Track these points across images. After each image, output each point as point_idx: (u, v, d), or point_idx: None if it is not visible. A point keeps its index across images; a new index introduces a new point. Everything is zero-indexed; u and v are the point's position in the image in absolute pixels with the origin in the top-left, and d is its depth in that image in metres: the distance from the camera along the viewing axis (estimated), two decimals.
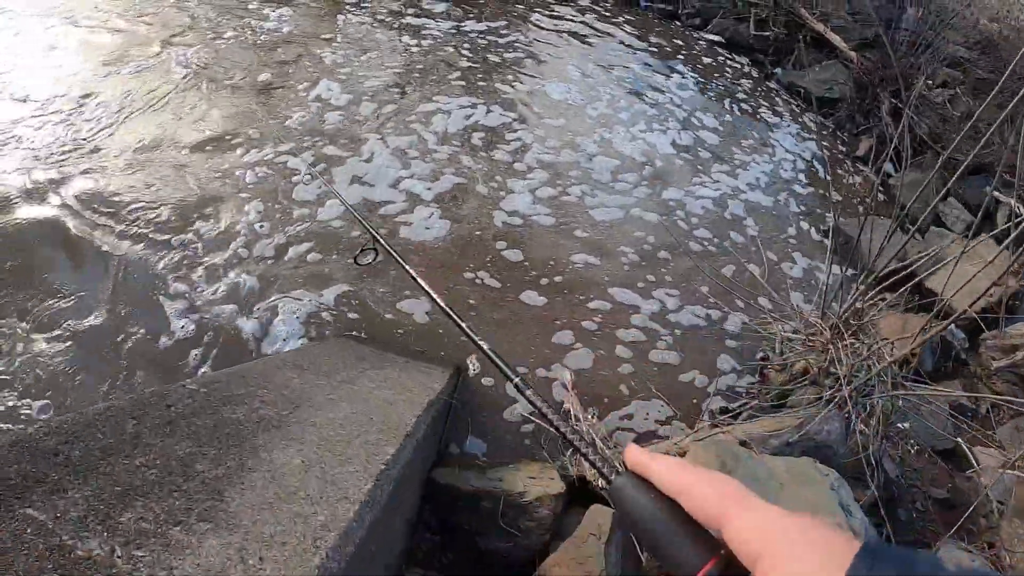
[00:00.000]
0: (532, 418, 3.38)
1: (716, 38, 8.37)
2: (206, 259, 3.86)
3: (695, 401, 3.74)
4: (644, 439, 3.44)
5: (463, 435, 3.32)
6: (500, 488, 2.77)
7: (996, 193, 5.80)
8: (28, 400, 3.06)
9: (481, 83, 6.03)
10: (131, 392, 3.11)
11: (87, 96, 4.88)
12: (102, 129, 4.62)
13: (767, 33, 8.19)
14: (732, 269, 4.63)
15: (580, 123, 5.83)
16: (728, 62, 7.89)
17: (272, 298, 3.72)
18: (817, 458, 2.88)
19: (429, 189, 4.66)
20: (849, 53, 7.69)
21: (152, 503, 1.50)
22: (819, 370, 3.32)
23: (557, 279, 4.24)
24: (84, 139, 4.50)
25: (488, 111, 5.63)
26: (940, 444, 3.77)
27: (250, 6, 6.62)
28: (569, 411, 3.25)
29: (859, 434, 3.02)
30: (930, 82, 7.20)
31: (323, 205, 4.35)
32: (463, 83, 5.95)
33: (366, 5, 7.06)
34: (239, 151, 4.64)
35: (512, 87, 6.07)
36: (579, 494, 2.93)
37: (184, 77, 5.32)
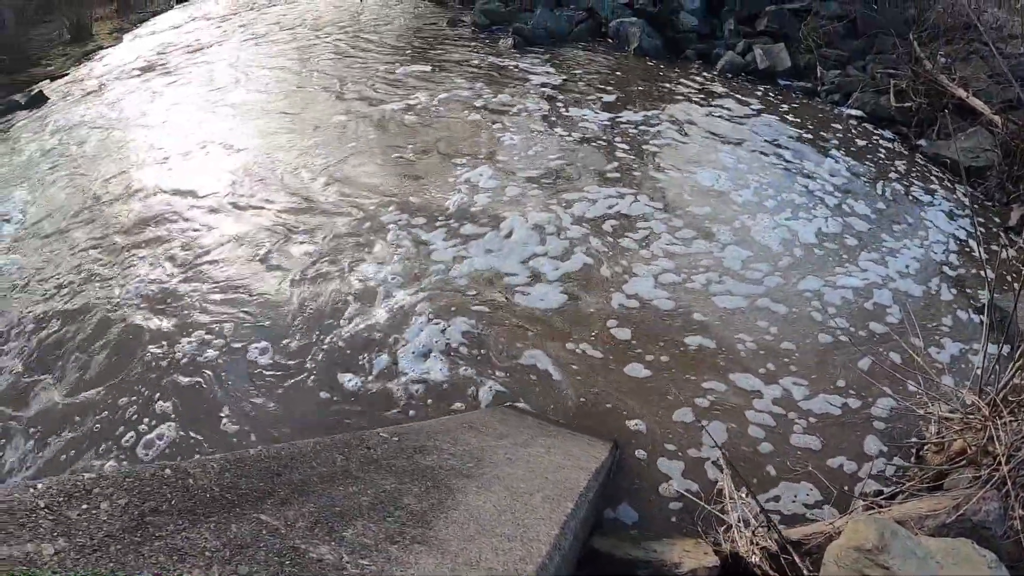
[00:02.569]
0: (687, 494, 3.55)
1: (858, 112, 8.36)
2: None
3: (845, 487, 3.73)
4: (792, 521, 3.50)
5: (618, 503, 3.53)
6: (656, 558, 2.93)
7: None
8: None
9: (636, 172, 6.44)
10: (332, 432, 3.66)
11: None
12: None
13: (908, 104, 8.10)
14: (868, 361, 4.48)
15: (723, 211, 5.95)
16: (873, 138, 7.85)
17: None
18: (974, 539, 2.84)
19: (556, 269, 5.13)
20: (993, 117, 7.46)
21: (370, 524, 1.78)
22: (977, 449, 3.26)
23: (664, 358, 4.42)
24: None
25: (635, 199, 5.98)
26: None
27: None
28: (723, 489, 3.35)
29: (1019, 519, 2.94)
30: None
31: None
32: (616, 174, 6.37)
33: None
34: None
35: (665, 174, 6.45)
36: (733, 573, 3.01)
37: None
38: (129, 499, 1.49)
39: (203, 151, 7.00)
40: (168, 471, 1.68)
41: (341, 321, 4.63)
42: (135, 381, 4.25)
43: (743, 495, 3.36)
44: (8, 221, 6.23)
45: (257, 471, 1.86)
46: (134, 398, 4.12)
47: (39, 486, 1.42)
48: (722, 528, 3.22)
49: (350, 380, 4.19)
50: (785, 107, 8.29)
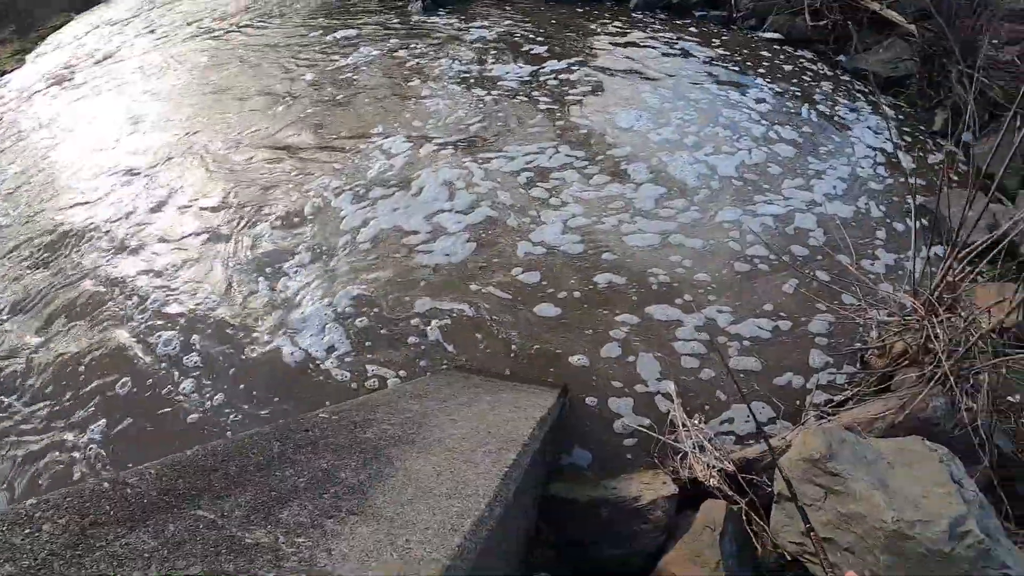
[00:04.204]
0: (640, 429, 3.57)
1: (775, 35, 8.37)
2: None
3: (796, 401, 3.79)
4: (747, 440, 3.54)
5: (572, 447, 3.54)
6: (615, 495, 2.96)
7: None
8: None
9: (558, 121, 6.34)
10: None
11: None
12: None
13: (823, 22, 8.11)
14: (794, 283, 4.54)
15: (642, 150, 5.89)
16: (798, 62, 7.85)
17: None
18: (924, 436, 2.91)
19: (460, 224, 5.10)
20: (908, 27, 7.56)
21: (306, 502, 1.82)
22: (917, 348, 3.34)
23: (576, 294, 4.44)
24: None
25: (555, 148, 5.89)
26: None
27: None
28: (675, 419, 3.40)
29: (964, 410, 3.02)
30: (995, 41, 7.01)
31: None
32: (537, 128, 6.26)
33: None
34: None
35: (586, 120, 6.35)
36: (692, 497, 3.06)
37: None
38: (69, 517, 1.55)
39: (126, 146, 6.90)
40: (107, 484, 1.71)
41: (252, 301, 4.61)
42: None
43: (695, 422, 3.41)
44: None
45: (193, 470, 1.89)
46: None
47: None
48: (679, 456, 3.25)
49: (271, 363, 4.15)
50: (703, 39, 8.24)
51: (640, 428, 3.57)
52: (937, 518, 2.33)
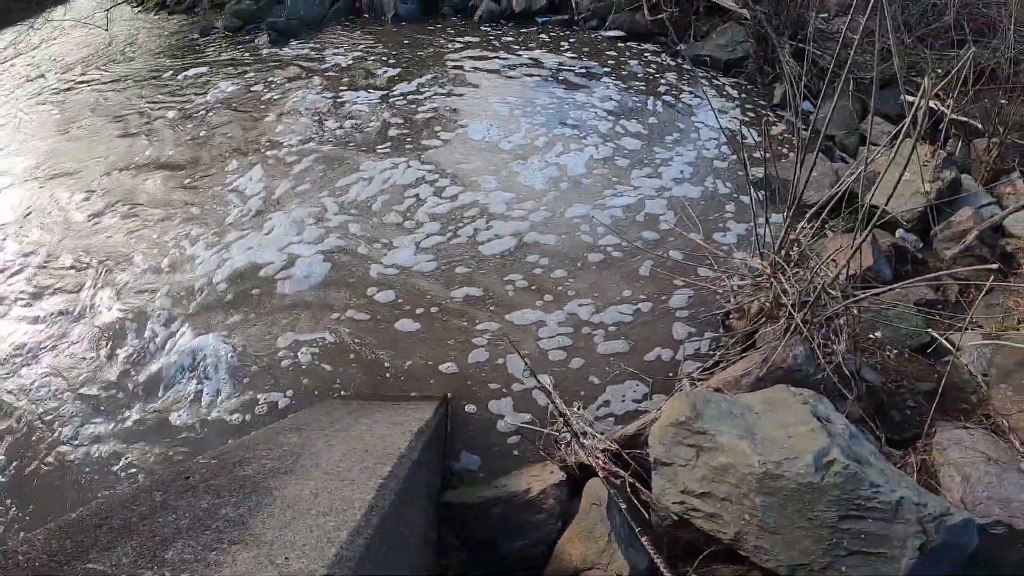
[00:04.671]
0: (524, 426, 3.61)
1: (617, 33, 8.69)
2: None
3: (669, 374, 3.91)
4: (628, 419, 3.61)
5: (459, 454, 3.55)
6: (506, 492, 2.98)
7: (908, 98, 6.01)
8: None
9: (408, 144, 6.28)
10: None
11: None
12: None
13: (661, 15, 8.46)
14: (649, 266, 4.68)
15: (492, 160, 5.97)
16: (644, 56, 8.13)
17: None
18: (789, 384, 3.04)
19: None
20: (741, 11, 7.96)
21: (190, 541, 1.85)
22: (771, 305, 3.48)
23: (433, 310, 4.44)
24: None
25: (407, 168, 5.87)
26: (916, 341, 3.92)
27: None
28: (555, 410, 3.43)
29: (821, 353, 3.17)
30: (824, 14, 7.47)
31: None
32: (389, 148, 6.22)
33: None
34: None
35: (438, 138, 6.33)
36: (583, 481, 3.08)
37: None
38: None
39: None
40: None
41: (117, 354, 4.39)
42: None
43: (575, 410, 3.45)
44: None
45: (79, 528, 1.91)
46: None
47: None
48: (564, 445, 3.29)
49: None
50: (550, 43, 8.46)
51: (523, 425, 3.62)
52: (802, 453, 2.43)
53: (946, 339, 3.80)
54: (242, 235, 5.26)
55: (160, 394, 4.06)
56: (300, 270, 4.80)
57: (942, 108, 5.70)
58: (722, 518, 2.57)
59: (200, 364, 4.18)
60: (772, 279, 3.43)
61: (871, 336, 3.82)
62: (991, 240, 4.71)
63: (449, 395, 3.79)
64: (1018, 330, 3.81)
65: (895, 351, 3.83)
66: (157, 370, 4.22)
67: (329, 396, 3.92)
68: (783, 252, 3.56)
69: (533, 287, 4.55)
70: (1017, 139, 5.46)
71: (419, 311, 4.41)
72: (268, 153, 6.32)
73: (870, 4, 2.90)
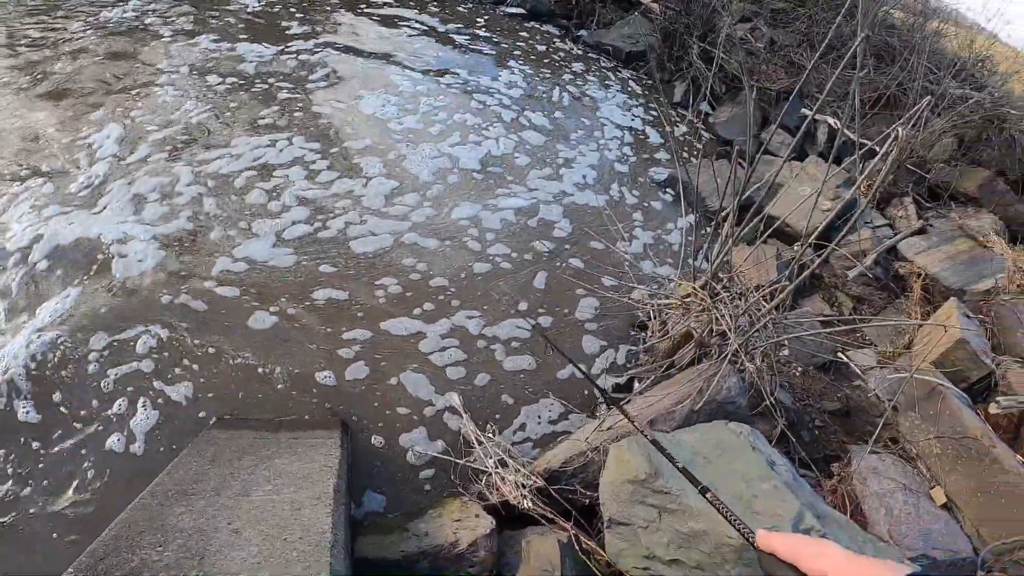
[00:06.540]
0: (439, 456, 3.23)
1: (518, 10, 8.45)
2: None
3: (584, 392, 3.66)
4: (546, 442, 3.39)
5: (363, 494, 3.08)
6: (429, 544, 2.63)
7: (808, 112, 6.19)
8: None
9: (297, 112, 5.55)
10: None
11: None
12: None
13: None
14: (544, 277, 4.35)
15: (381, 142, 5.33)
16: (552, 43, 7.88)
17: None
18: (722, 416, 2.96)
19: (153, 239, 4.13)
20: (652, 5, 7.94)
21: None
22: (703, 331, 3.41)
23: (290, 311, 3.80)
24: None
25: (289, 143, 5.12)
26: (820, 360, 3.99)
27: None
28: (468, 437, 3.19)
29: (757, 381, 3.15)
30: (730, 19, 7.56)
31: None
32: (274, 118, 5.46)
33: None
34: None
35: (327, 107, 5.66)
36: (508, 518, 2.86)
37: None
38: None
39: None
40: None
41: None
42: None
43: (489, 435, 3.19)
44: None
45: None
46: None
47: None
48: (482, 479, 3.01)
49: None
50: (450, 14, 8.04)
51: (429, 453, 3.23)
52: (780, 521, 2.33)
53: (855, 364, 3.96)
54: (80, 205, 4.33)
55: None
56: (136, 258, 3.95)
57: (840, 126, 5.89)
58: None
59: None
60: (712, 308, 3.34)
61: (780, 355, 3.86)
62: (884, 262, 4.90)
63: (344, 423, 3.24)
64: (909, 350, 4.02)
65: (800, 369, 3.89)
66: None
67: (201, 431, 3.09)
68: (716, 274, 3.51)
69: (409, 294, 4.02)
70: (910, 164, 5.74)
71: (273, 309, 3.76)
72: (133, 114, 5.31)
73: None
